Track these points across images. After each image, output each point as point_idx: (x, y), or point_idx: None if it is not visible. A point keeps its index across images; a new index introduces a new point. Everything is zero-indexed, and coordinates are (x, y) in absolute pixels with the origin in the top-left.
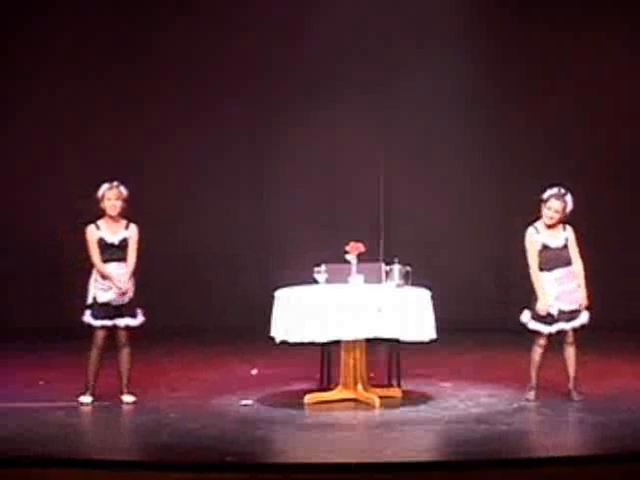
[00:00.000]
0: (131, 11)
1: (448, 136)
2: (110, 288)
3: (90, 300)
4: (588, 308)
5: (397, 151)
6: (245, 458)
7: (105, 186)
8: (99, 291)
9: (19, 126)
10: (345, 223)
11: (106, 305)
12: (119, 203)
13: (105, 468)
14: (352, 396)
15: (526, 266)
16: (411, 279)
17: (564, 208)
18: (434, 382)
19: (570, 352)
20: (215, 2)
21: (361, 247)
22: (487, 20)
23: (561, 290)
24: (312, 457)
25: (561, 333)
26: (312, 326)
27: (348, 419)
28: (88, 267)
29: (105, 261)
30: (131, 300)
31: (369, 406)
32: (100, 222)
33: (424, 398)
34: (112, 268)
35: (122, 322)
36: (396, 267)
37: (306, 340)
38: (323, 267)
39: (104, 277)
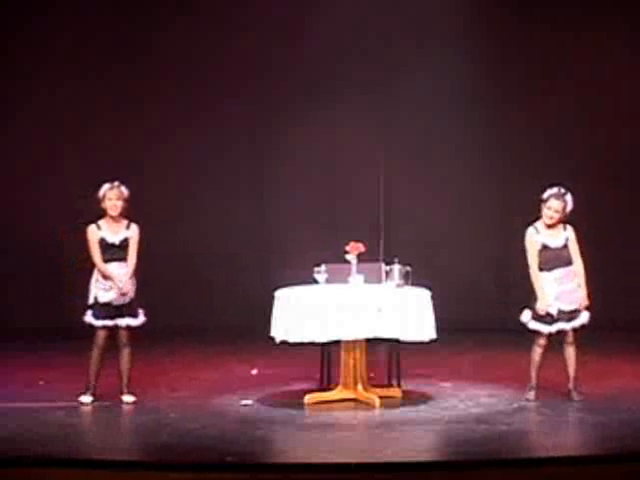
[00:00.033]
0: (131, 11)
1: (448, 136)
2: (111, 288)
3: (91, 300)
4: (588, 308)
5: (397, 151)
6: (245, 458)
7: (106, 186)
8: (100, 291)
9: (19, 126)
10: (345, 223)
11: (107, 305)
12: (120, 203)
13: (105, 468)
14: (352, 396)
15: (526, 266)
16: (411, 279)
17: (564, 208)
18: (434, 382)
19: (570, 352)
20: (215, 2)
21: (361, 247)
22: (487, 20)
23: (561, 290)
24: (312, 457)
25: (561, 333)
26: (312, 326)
27: (348, 419)
28: (88, 267)
29: (106, 261)
30: (132, 300)
31: (369, 406)
32: (101, 222)
33: (424, 398)
34: (113, 268)
35: (123, 322)
36: (396, 267)
37: (306, 340)
38: (323, 267)
39: (105, 277)
